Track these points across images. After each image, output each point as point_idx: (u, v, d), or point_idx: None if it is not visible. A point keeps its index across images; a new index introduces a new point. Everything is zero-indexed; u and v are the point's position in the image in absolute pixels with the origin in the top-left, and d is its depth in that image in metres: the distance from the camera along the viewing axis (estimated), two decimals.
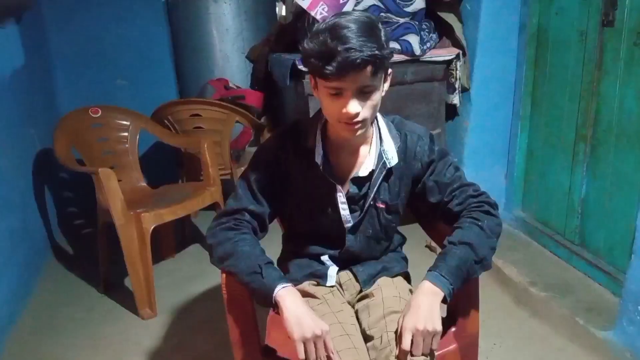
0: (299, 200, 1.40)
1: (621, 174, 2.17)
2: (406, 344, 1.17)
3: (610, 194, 2.24)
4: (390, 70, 1.24)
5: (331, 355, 1.18)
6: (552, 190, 2.61)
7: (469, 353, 1.45)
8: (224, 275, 1.33)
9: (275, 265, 1.32)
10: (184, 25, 3.52)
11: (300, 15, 2.72)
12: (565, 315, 2.13)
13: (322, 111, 1.31)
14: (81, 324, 2.42)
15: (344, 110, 1.18)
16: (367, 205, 1.37)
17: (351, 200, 1.37)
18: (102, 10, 3.59)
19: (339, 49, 1.09)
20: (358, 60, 1.10)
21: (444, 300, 1.23)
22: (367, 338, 1.33)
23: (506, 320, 2.27)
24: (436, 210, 1.41)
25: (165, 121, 3.04)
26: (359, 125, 1.22)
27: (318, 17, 2.48)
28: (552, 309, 2.20)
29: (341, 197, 1.36)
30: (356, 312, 1.42)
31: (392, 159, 1.33)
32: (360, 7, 2.48)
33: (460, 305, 1.45)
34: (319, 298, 1.41)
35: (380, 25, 1.17)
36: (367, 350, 1.30)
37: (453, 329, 1.45)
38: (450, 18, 2.72)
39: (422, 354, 1.19)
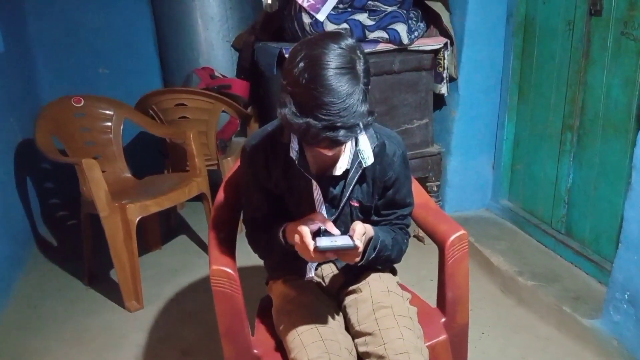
0: (279, 197, 1.39)
1: (607, 163, 2.18)
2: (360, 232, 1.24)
3: (597, 183, 2.25)
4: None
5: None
6: (539, 179, 2.62)
7: (459, 343, 1.46)
8: (212, 268, 1.31)
9: None
10: (168, 13, 3.45)
11: (287, 3, 2.68)
12: (552, 304, 2.14)
13: None
14: (66, 316, 2.38)
15: (321, 151, 1.18)
16: (342, 204, 1.35)
17: (327, 198, 1.35)
18: None
19: (326, 135, 1.07)
20: (342, 140, 1.09)
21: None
22: (356, 334, 1.32)
23: (493, 309, 2.28)
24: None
25: (150, 111, 2.99)
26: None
27: (305, 5, 2.45)
28: (538, 298, 2.21)
29: (318, 194, 1.34)
30: (344, 308, 1.42)
31: (368, 158, 1.31)
32: None
33: (449, 296, 1.45)
34: (297, 290, 1.40)
35: (359, 61, 1.09)
36: (356, 345, 1.30)
37: (443, 320, 1.45)
38: (437, 7, 2.70)
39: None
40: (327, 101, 1.04)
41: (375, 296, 1.37)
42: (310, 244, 1.19)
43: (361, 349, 1.29)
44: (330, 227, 1.26)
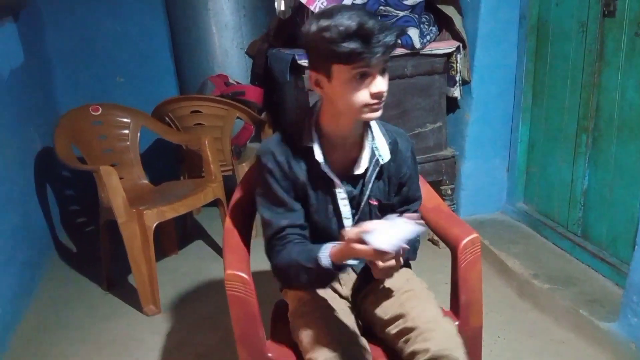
0: (300, 200, 1.39)
1: (623, 165, 2.16)
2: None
3: (612, 185, 2.23)
4: None
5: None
6: (554, 182, 2.61)
7: (473, 347, 1.45)
8: (227, 272, 1.33)
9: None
10: (183, 22, 3.50)
11: (299, 9, 2.70)
12: (568, 307, 2.12)
13: (314, 108, 1.33)
14: (85, 321, 2.42)
15: (375, 90, 1.17)
16: (363, 204, 1.37)
17: (348, 199, 1.36)
18: (100, 7, 3.57)
19: (376, 28, 1.10)
20: (394, 37, 1.12)
21: None
22: (386, 324, 1.34)
23: (509, 313, 2.27)
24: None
25: (166, 118, 3.03)
26: (383, 103, 1.21)
27: (317, 11, 2.46)
28: (555, 301, 2.20)
29: (341, 194, 1.34)
30: (365, 310, 1.43)
31: (385, 155, 1.33)
32: (359, 0, 2.46)
33: (462, 299, 1.45)
34: (313, 293, 1.40)
35: None
36: (388, 333, 1.32)
37: (456, 323, 1.45)
38: (449, 10, 2.70)
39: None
40: (360, 20, 1.09)
41: (395, 285, 1.40)
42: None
43: (393, 331, 1.31)
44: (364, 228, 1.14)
